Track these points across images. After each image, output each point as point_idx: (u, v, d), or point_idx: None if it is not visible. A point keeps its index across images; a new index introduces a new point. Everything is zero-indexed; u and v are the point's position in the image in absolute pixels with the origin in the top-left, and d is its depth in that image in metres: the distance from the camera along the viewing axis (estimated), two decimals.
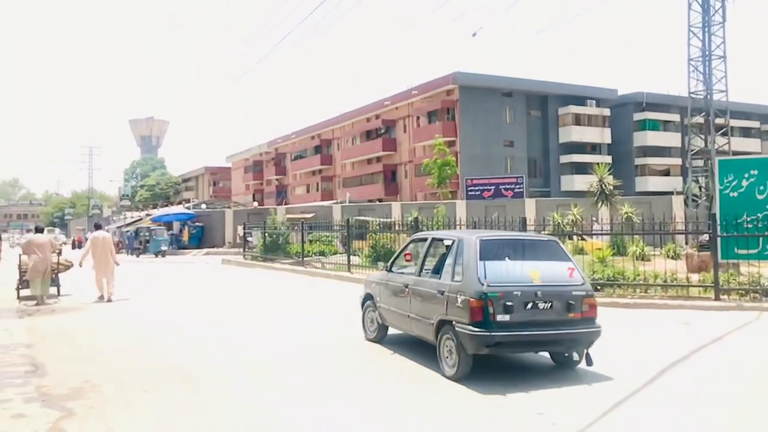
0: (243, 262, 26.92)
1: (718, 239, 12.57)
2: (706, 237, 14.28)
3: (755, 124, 60.51)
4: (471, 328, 6.52)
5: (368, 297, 9.27)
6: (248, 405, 5.95)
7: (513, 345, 6.85)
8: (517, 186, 44.29)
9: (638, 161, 56.85)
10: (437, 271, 7.62)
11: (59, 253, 15.66)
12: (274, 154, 78.90)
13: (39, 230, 15.97)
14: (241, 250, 29.76)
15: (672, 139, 55.89)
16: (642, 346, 8.73)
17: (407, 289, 7.98)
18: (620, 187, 30.29)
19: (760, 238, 12.39)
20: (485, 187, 44.66)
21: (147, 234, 41.05)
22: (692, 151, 26.22)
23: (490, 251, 7.04)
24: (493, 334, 6.47)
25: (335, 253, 22.98)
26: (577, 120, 54.82)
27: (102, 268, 14.65)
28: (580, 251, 16.78)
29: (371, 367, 7.59)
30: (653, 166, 57.02)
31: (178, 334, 9.94)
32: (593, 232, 18.77)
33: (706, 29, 24.26)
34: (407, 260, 8.76)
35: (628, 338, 9.07)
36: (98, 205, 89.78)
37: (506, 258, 7.08)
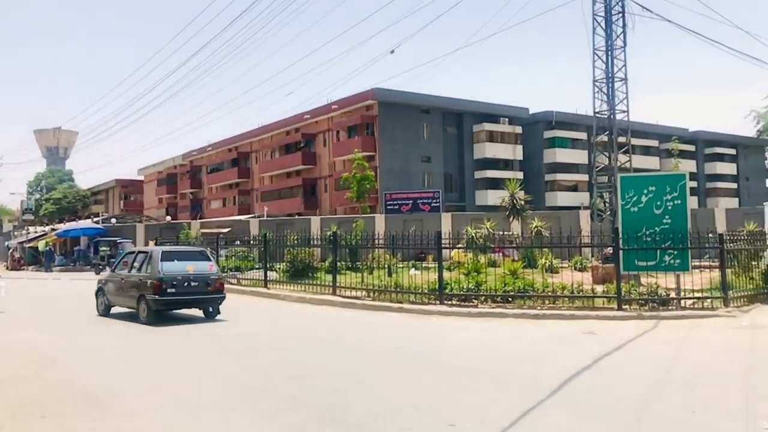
0: None
1: (621, 252, 13.26)
2: (610, 250, 14.93)
3: (654, 143, 64.20)
4: (154, 296, 12.59)
5: (100, 289, 14.83)
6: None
7: (176, 304, 13.22)
8: (434, 200, 45.08)
9: (548, 177, 59.15)
10: (140, 269, 13.38)
11: None
12: (189, 167, 76.89)
13: None
14: None
15: (580, 156, 58.43)
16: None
17: (123, 280, 13.82)
18: (531, 202, 31.29)
19: (658, 251, 13.18)
20: (404, 202, 45.22)
21: (108, 248, 36.49)
22: (597, 167, 27.43)
23: (167, 256, 13.13)
24: (165, 299, 12.65)
25: (252, 269, 22.58)
26: (491, 137, 56.58)
27: None
28: (493, 264, 17.21)
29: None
30: (562, 181, 59.50)
31: (77, 356, 9.49)
32: (506, 246, 19.36)
33: (609, 53, 25.61)
34: (125, 264, 14.27)
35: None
36: None
37: (175, 260, 13.14)
